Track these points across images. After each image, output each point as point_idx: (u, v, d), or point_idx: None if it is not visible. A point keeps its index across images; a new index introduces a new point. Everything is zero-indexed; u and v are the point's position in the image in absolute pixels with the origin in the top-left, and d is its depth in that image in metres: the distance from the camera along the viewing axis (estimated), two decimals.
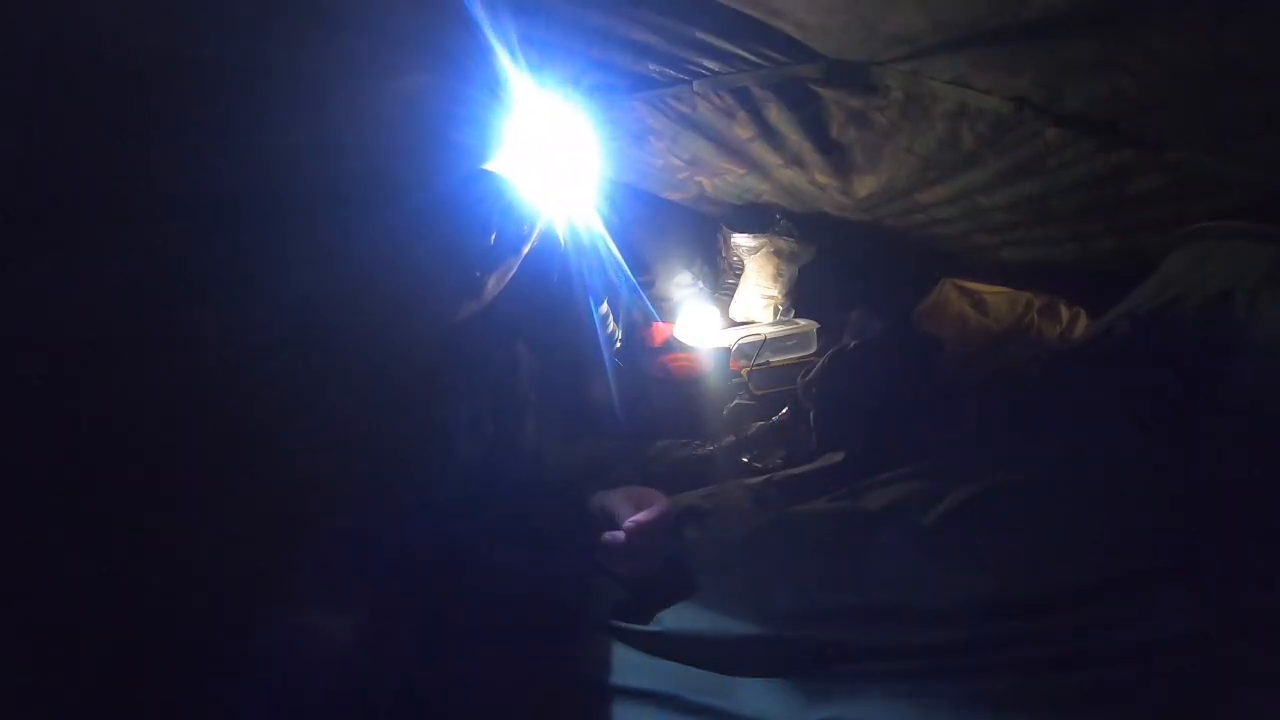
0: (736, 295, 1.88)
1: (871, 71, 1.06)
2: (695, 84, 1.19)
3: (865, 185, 1.46)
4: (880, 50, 1.00)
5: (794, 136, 1.31)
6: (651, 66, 1.16)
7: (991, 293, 1.67)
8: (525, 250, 0.88)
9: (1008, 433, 1.09)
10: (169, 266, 0.59)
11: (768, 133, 1.32)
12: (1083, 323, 1.50)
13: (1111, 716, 0.57)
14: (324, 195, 0.67)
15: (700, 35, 1.02)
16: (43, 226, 0.56)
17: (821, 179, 1.48)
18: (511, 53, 0.92)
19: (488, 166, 0.84)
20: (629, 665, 0.69)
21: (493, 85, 0.79)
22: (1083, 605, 0.66)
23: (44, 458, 0.54)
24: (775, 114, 1.24)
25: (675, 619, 0.73)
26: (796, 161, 1.43)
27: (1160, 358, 1.06)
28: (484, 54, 0.82)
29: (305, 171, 0.66)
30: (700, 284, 1.94)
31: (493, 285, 0.84)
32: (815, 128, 1.27)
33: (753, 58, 1.08)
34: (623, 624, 0.74)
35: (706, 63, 1.12)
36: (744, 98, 1.21)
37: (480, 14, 0.76)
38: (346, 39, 0.65)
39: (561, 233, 1.11)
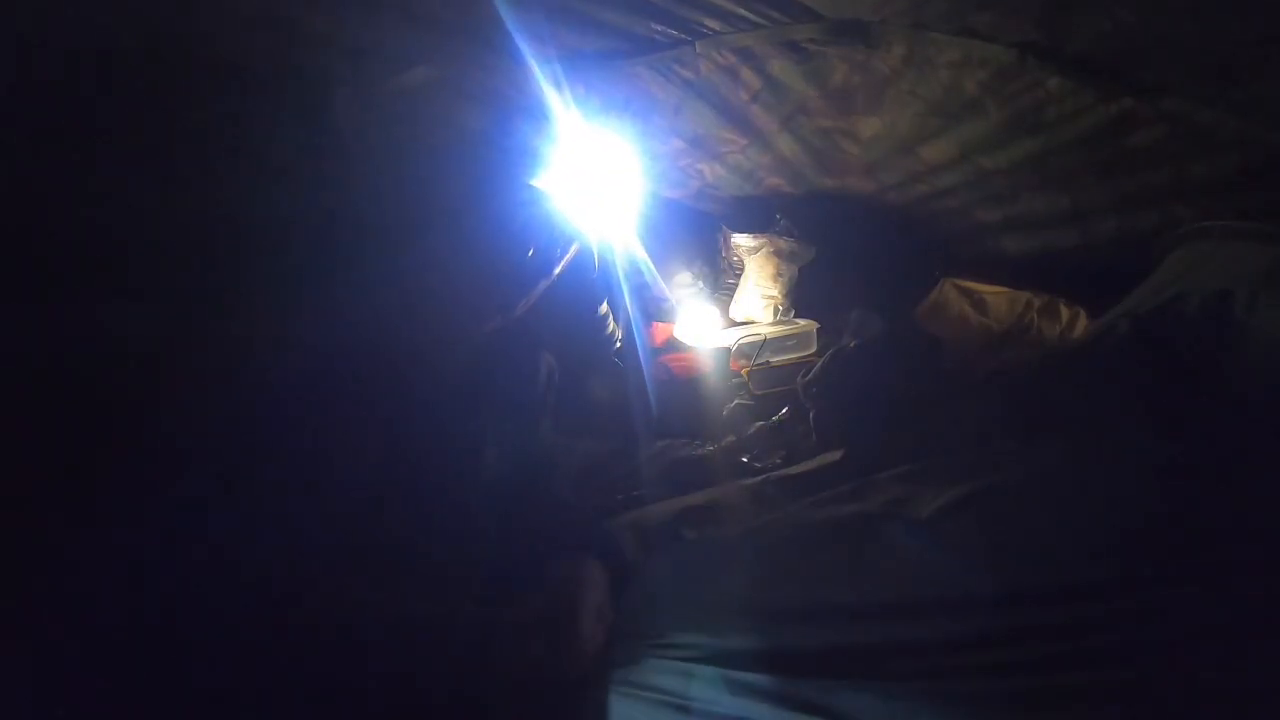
0: (736, 295, 1.88)
1: (872, 30, 1.05)
2: (698, 44, 1.19)
3: (870, 126, 1.45)
4: (881, 3, 0.99)
5: (798, 85, 1.31)
6: (654, 26, 1.16)
7: (991, 293, 1.67)
8: (558, 270, 0.90)
9: (1008, 432, 1.08)
10: (217, 288, 0.63)
11: (771, 86, 1.32)
12: (1083, 323, 1.50)
13: (1111, 716, 0.57)
14: (371, 220, 0.70)
15: None
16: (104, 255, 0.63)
17: (825, 124, 1.47)
18: (554, 78, 0.93)
19: (532, 185, 0.86)
20: (630, 666, 0.69)
21: (535, 108, 0.81)
22: (1083, 604, 0.66)
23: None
24: (778, 68, 1.25)
25: (676, 619, 0.73)
26: (801, 109, 1.42)
27: (1160, 358, 1.06)
28: (527, 77, 0.84)
29: (355, 198, 0.70)
30: (700, 284, 1.94)
31: (525, 303, 0.86)
32: (818, 77, 1.27)
33: (754, 17, 1.08)
34: (625, 625, 0.74)
35: (708, 22, 1.12)
36: (747, 55, 1.21)
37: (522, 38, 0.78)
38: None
39: (595, 248, 1.11)
